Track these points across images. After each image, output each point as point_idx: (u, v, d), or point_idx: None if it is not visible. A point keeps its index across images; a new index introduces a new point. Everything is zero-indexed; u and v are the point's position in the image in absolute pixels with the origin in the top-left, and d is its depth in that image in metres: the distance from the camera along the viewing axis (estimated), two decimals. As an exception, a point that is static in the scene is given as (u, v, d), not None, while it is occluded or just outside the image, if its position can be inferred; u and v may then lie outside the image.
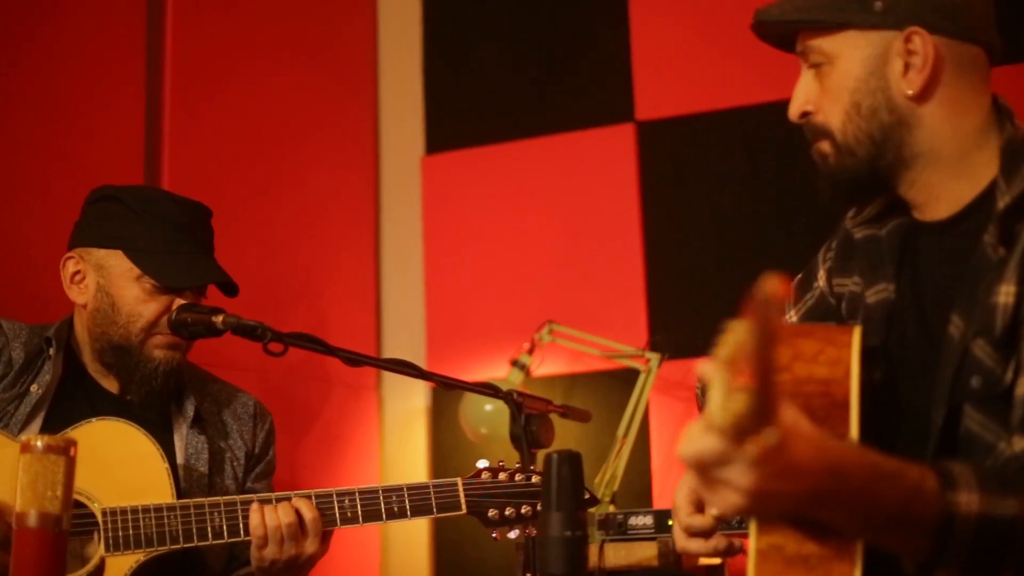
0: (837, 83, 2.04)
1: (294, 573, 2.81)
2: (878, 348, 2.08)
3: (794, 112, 2.11)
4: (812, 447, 1.58)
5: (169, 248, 2.95)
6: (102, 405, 2.96)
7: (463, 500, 2.86)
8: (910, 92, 2.01)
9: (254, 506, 2.75)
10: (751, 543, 1.86)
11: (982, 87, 2.06)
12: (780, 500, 1.58)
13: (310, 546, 2.78)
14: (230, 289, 3.03)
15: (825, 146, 2.08)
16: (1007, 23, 3.62)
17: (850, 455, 1.64)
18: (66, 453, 1.77)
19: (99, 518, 2.68)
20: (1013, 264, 1.89)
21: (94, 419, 2.80)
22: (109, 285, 2.95)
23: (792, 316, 2.35)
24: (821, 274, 2.32)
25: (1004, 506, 1.67)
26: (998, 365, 1.88)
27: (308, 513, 2.77)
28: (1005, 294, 1.89)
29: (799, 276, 2.40)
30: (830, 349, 1.93)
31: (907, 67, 2.01)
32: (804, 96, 2.10)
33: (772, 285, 1.42)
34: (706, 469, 1.55)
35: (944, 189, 2.04)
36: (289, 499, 2.78)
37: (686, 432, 1.57)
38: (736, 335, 1.43)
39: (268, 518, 2.74)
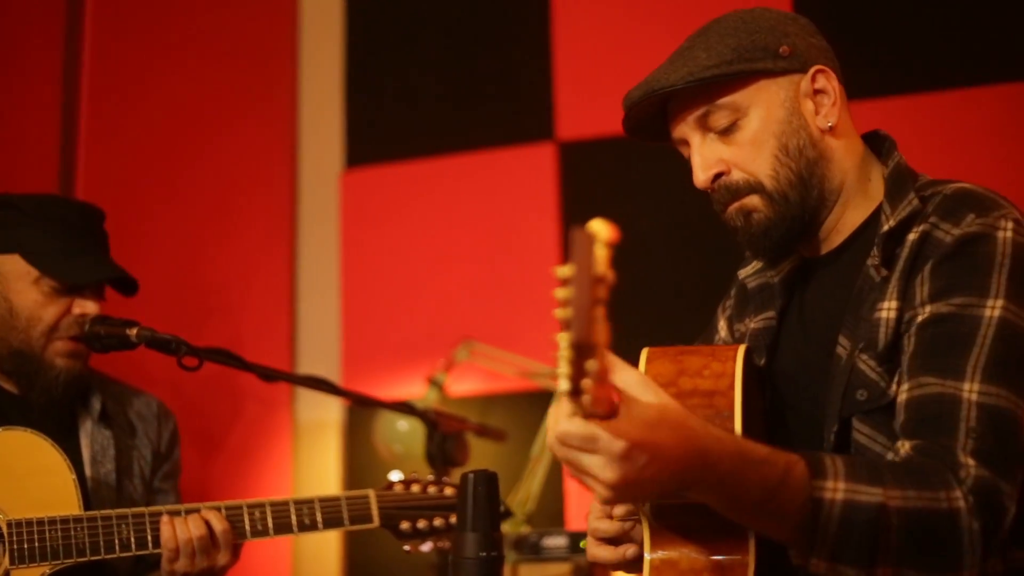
0: (759, 131, 2.09)
1: None
2: (764, 371, 2.16)
3: (706, 178, 2.12)
4: (679, 434, 1.63)
5: (66, 248, 2.92)
6: (3, 406, 2.91)
7: (375, 512, 2.84)
8: (828, 125, 2.10)
9: (164, 519, 2.71)
10: (645, 556, 1.89)
11: (852, 120, 2.17)
12: (647, 487, 1.62)
13: (222, 558, 2.74)
14: (129, 287, 3.00)
15: (753, 200, 2.10)
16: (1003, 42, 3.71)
17: (717, 441, 1.68)
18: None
19: (4, 530, 2.63)
20: (894, 282, 1.99)
21: None
22: (7, 290, 2.91)
23: None
24: (722, 324, 2.39)
25: (869, 493, 1.74)
26: (882, 378, 1.97)
27: (218, 525, 2.73)
28: (887, 310, 1.98)
29: (701, 337, 2.44)
30: (715, 364, 1.98)
31: (816, 105, 2.11)
32: (713, 157, 2.12)
33: (594, 226, 1.48)
34: (571, 456, 1.60)
35: (845, 220, 2.14)
36: (198, 511, 2.74)
37: (548, 415, 1.62)
38: (563, 282, 1.47)
39: (179, 531, 2.70)
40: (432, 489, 2.90)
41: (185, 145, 4.64)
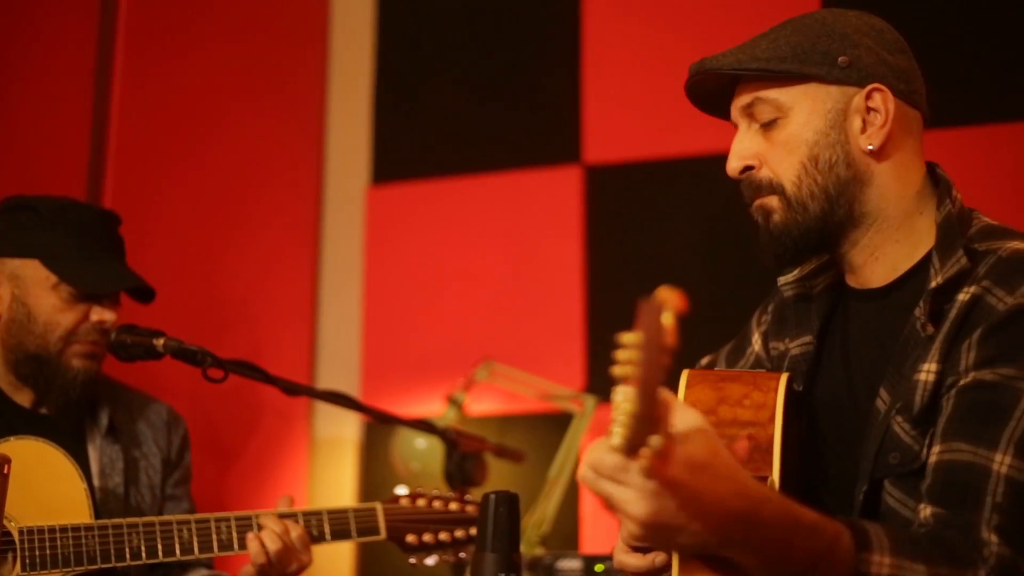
0: (794, 135, 2.04)
1: None
2: (802, 397, 2.11)
3: (736, 167, 2.09)
4: (726, 486, 1.57)
5: (85, 255, 2.93)
6: (14, 420, 2.91)
7: (383, 525, 2.87)
8: (870, 147, 2.04)
9: (250, 536, 2.75)
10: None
11: (920, 152, 2.10)
12: (681, 533, 1.57)
13: (305, 558, 2.80)
14: (145, 295, 3.01)
15: (772, 201, 2.07)
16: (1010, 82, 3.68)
17: (769, 504, 1.63)
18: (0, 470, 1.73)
19: (16, 537, 2.63)
20: (938, 343, 1.92)
21: (11, 438, 2.74)
22: (25, 295, 2.91)
23: None
24: (756, 338, 2.34)
25: (914, 571, 1.71)
26: (916, 441, 1.92)
27: (295, 532, 2.77)
28: (927, 372, 1.92)
29: (730, 344, 2.41)
30: (756, 393, 1.95)
31: (865, 124, 2.04)
32: (747, 150, 2.08)
33: (663, 295, 1.45)
34: (602, 487, 1.54)
35: (884, 252, 2.07)
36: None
37: (587, 449, 1.57)
38: (627, 347, 1.44)
39: (268, 543, 2.74)
40: (437, 504, 2.92)
41: (211, 154, 4.65)
